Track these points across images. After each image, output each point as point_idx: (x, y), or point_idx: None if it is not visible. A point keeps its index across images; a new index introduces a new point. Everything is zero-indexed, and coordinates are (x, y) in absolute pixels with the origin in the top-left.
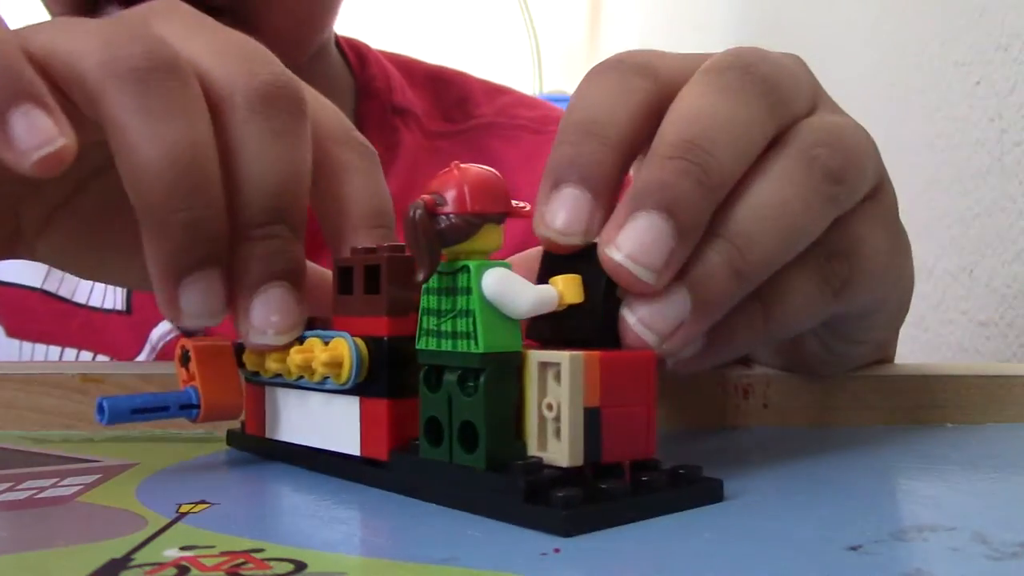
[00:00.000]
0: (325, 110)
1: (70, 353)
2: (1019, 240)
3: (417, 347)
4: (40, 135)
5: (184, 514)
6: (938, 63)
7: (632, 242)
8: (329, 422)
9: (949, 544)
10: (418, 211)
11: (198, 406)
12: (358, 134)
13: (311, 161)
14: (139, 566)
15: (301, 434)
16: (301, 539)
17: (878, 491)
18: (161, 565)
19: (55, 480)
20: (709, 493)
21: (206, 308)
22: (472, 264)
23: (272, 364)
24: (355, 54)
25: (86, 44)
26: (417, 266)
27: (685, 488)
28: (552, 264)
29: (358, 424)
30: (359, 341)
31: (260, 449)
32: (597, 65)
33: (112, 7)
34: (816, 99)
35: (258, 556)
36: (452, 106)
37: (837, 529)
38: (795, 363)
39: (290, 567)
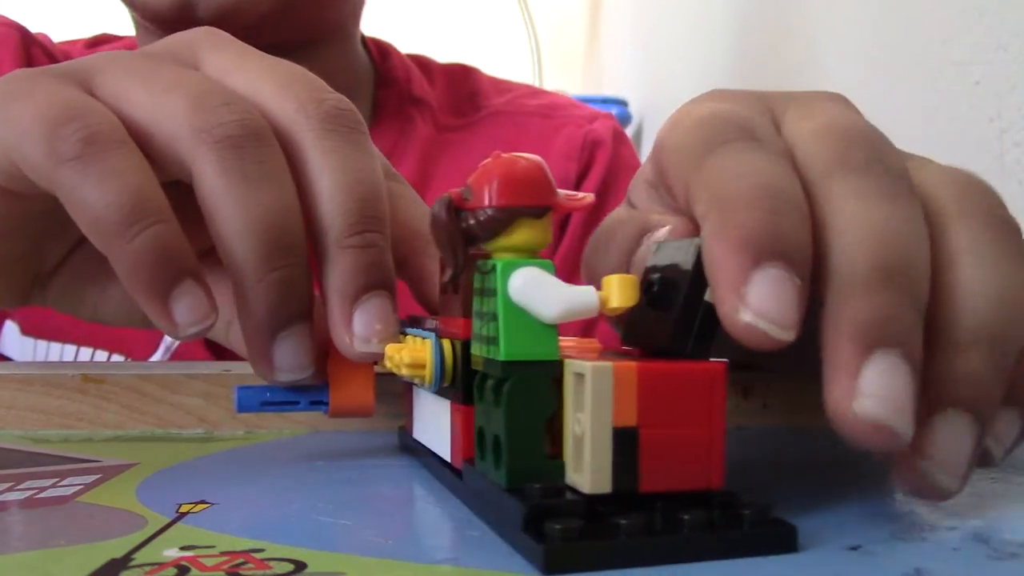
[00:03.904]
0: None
1: (85, 352)
2: None
3: (471, 352)
4: (198, 313)
5: (184, 514)
6: (938, 63)
7: (883, 388)
8: (436, 425)
9: (949, 544)
10: (441, 208)
11: (327, 403)
12: (392, 168)
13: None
14: (139, 566)
15: (426, 435)
16: (301, 539)
17: (878, 491)
18: (161, 565)
19: (55, 480)
20: (773, 540)
21: (298, 362)
22: (499, 263)
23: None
24: (378, 50)
25: (172, 103)
26: (444, 265)
27: (736, 531)
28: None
29: (449, 429)
30: (445, 342)
31: (408, 446)
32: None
33: None
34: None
35: (258, 556)
36: (463, 100)
37: (837, 528)
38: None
39: (290, 567)
